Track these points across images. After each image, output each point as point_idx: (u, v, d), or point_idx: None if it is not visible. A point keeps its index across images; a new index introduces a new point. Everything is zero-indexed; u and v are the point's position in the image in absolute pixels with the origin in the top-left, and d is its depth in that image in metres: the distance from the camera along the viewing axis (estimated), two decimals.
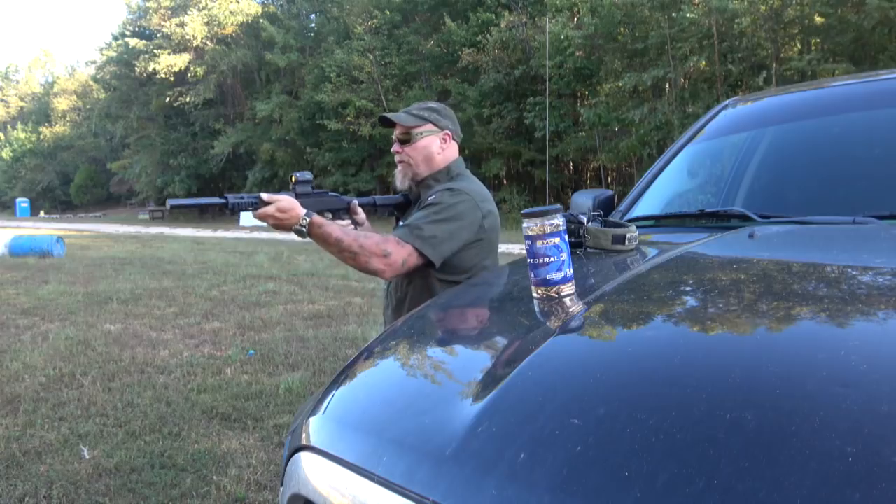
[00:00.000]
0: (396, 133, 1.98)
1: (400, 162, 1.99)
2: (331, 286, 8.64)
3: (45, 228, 24.65)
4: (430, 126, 1.96)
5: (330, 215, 1.90)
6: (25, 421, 3.62)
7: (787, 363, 0.71)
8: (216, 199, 1.79)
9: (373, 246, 1.76)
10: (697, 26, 17.18)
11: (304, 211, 1.74)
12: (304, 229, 1.73)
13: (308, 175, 1.85)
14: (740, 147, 2.04)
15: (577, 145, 21.87)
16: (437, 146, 1.97)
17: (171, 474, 2.94)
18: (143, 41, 35.94)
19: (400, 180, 2.02)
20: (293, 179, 1.84)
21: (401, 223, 1.93)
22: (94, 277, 9.85)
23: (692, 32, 17.39)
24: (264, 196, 1.74)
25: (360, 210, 2.04)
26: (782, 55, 17.14)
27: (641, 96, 18.98)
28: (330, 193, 1.94)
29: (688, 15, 16.85)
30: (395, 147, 1.99)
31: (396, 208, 2.12)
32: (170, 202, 1.75)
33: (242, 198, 1.76)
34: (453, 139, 2.01)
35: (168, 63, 34.06)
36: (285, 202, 1.73)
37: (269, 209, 1.72)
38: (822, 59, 15.27)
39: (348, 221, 1.98)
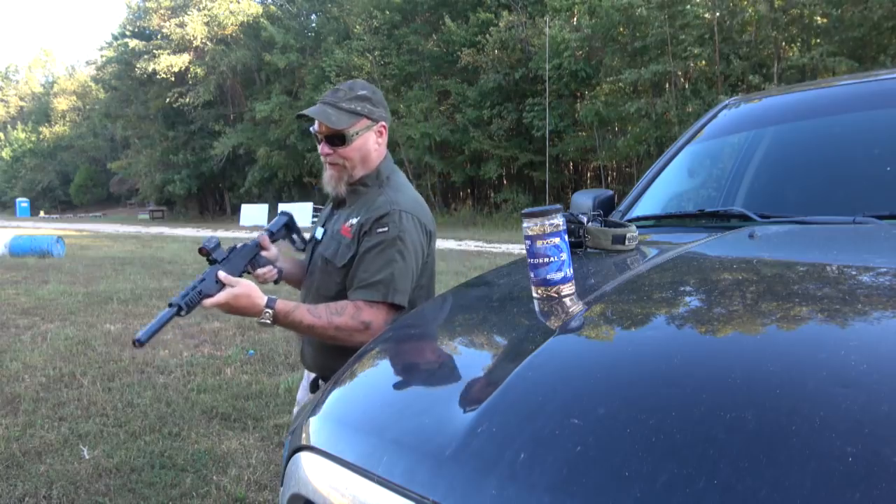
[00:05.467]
0: (322, 131, 1.67)
1: (332, 165, 1.70)
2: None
3: (45, 228, 24.65)
4: (365, 121, 1.67)
5: (249, 268, 1.69)
6: (25, 421, 3.62)
7: (787, 363, 0.71)
8: (166, 312, 1.49)
9: (349, 322, 1.57)
10: (700, 20, 17.16)
11: (264, 301, 1.54)
12: (267, 322, 1.56)
13: (215, 240, 1.61)
14: (740, 147, 2.04)
15: (577, 145, 21.88)
16: (373, 142, 1.70)
17: (171, 474, 2.94)
18: (143, 41, 35.96)
19: (333, 186, 1.72)
20: (203, 252, 1.58)
21: (352, 261, 1.65)
22: (94, 277, 9.85)
23: (694, 28, 17.38)
24: (221, 275, 1.53)
25: (269, 244, 1.76)
26: (783, 54, 17.14)
27: (642, 94, 18.98)
28: (238, 245, 1.68)
29: (688, 7, 16.82)
30: (324, 148, 1.68)
31: (286, 228, 1.84)
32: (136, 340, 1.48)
33: (194, 287, 1.51)
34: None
35: (168, 63, 34.07)
36: (242, 291, 1.51)
37: (221, 297, 1.50)
38: (824, 54, 15.23)
39: (269, 268, 1.73)
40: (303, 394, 1.97)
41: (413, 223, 1.65)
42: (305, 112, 1.67)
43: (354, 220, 1.67)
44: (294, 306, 1.58)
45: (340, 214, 1.75)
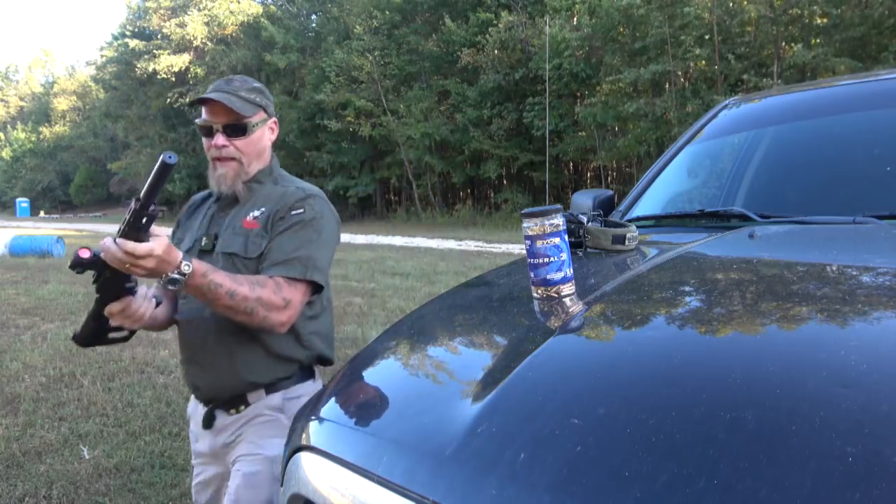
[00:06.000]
0: (221, 119, 1.53)
1: (229, 160, 1.55)
2: (331, 286, 8.63)
3: (45, 228, 24.64)
4: (262, 114, 1.59)
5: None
6: (25, 421, 3.62)
7: (787, 363, 0.71)
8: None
9: (272, 296, 1.42)
10: (700, 21, 17.16)
11: (181, 253, 1.32)
12: (181, 278, 1.31)
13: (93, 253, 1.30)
14: (740, 147, 2.04)
15: (577, 145, 21.88)
16: (267, 137, 1.62)
17: (171, 474, 2.94)
18: (143, 41, 35.98)
19: (229, 184, 1.56)
20: (81, 264, 1.29)
21: (268, 248, 1.51)
22: None
23: (694, 28, 17.38)
24: (123, 243, 1.24)
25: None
26: (783, 54, 17.14)
27: (642, 93, 18.99)
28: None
29: (686, 9, 16.82)
30: (220, 139, 1.53)
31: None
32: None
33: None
34: None
35: (168, 63, 34.10)
36: (160, 241, 1.28)
37: (143, 248, 1.24)
38: (829, 53, 15.21)
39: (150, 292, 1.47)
40: (199, 443, 1.66)
41: (329, 209, 1.60)
42: (207, 96, 1.52)
43: (258, 213, 1.55)
44: (210, 267, 1.38)
45: (232, 213, 1.58)
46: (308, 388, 1.62)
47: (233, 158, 1.55)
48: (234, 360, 1.54)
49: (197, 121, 1.59)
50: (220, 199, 1.64)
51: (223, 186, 1.57)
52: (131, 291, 1.38)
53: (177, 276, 1.31)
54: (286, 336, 1.55)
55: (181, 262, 1.31)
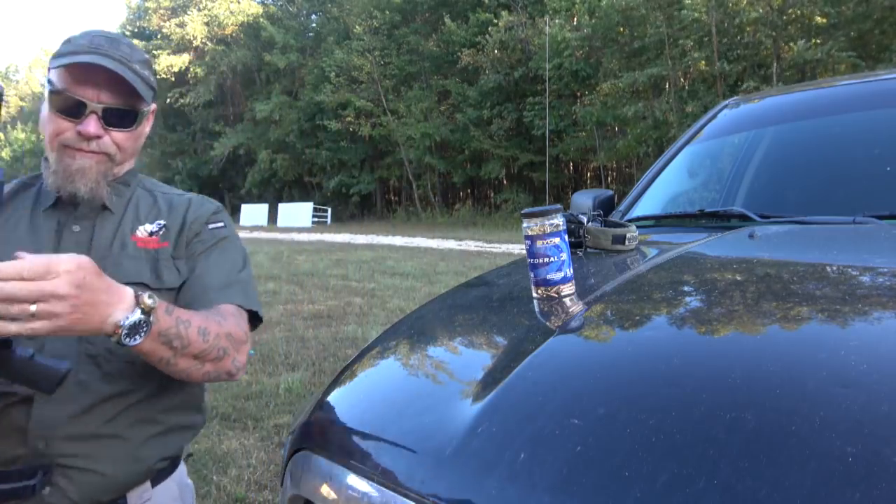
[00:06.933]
0: (104, 101, 1.08)
1: (94, 154, 1.10)
2: (331, 286, 8.64)
3: None
4: (153, 99, 1.20)
5: None
6: None
7: (787, 363, 0.71)
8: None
9: (237, 330, 1.08)
10: (699, 23, 17.18)
11: (130, 295, 0.89)
12: (145, 318, 0.89)
13: None
14: (740, 147, 2.04)
15: (577, 145, 21.91)
16: (146, 131, 1.24)
17: None
18: (143, 41, 35.98)
19: (91, 184, 1.09)
20: None
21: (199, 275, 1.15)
22: None
23: (692, 30, 17.40)
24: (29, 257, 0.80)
25: None
26: (782, 54, 17.15)
27: (641, 95, 19.00)
28: None
29: (684, 12, 16.83)
30: (93, 127, 1.07)
31: None
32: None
33: None
34: None
35: (168, 63, 34.13)
36: (86, 264, 0.84)
37: (60, 286, 0.79)
38: (832, 49, 15.20)
39: None
40: None
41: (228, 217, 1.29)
42: (92, 60, 1.05)
43: (154, 227, 1.16)
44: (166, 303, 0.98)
45: (104, 227, 1.13)
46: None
47: (104, 153, 1.11)
48: (127, 444, 1.08)
49: (50, 87, 1.07)
50: (57, 202, 1.12)
51: (81, 186, 1.09)
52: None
53: (139, 315, 0.88)
54: (194, 390, 1.19)
55: (133, 301, 0.89)
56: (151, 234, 1.15)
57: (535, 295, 1.09)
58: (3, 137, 63.31)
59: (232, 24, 34.65)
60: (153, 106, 1.21)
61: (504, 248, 14.12)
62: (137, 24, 39.15)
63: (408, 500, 0.68)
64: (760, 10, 16.46)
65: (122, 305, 0.87)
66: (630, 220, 1.70)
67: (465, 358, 1.00)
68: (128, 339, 0.88)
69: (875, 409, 0.60)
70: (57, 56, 1.08)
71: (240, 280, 1.17)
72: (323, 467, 0.84)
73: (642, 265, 1.26)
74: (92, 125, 1.07)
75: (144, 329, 0.90)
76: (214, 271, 1.16)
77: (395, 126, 25.63)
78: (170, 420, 1.15)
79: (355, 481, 0.76)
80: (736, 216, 1.61)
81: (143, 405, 1.10)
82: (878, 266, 1.08)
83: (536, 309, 1.08)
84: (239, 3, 35.20)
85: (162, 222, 1.17)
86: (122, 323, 0.87)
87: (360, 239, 18.13)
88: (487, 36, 22.57)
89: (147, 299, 0.89)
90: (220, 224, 1.22)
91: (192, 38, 34.36)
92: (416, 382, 0.97)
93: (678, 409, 0.65)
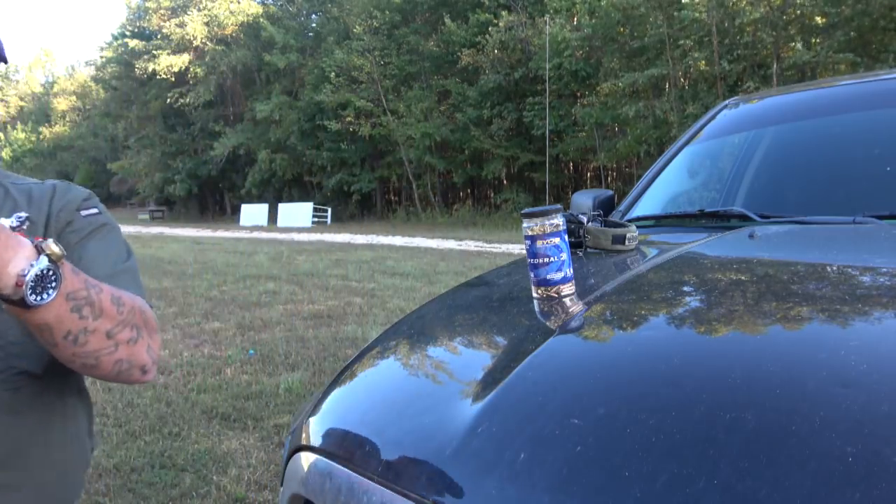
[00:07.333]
0: None
1: None
2: (331, 286, 8.64)
3: None
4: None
5: None
6: None
7: (787, 363, 0.71)
8: None
9: (149, 312, 0.95)
10: (699, 23, 17.18)
11: (29, 244, 0.74)
12: (53, 267, 0.73)
13: None
14: (740, 147, 2.04)
15: (577, 145, 21.90)
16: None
17: (171, 474, 2.94)
18: (143, 41, 35.99)
19: None
20: None
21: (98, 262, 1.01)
22: None
23: (692, 30, 17.40)
24: None
25: None
26: (783, 54, 17.15)
27: (641, 95, 19.01)
28: None
29: (684, 12, 16.83)
30: None
31: None
32: None
33: None
34: None
35: (168, 63, 34.08)
36: None
37: None
38: (832, 49, 15.19)
39: None
40: None
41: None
42: None
43: (15, 221, 0.84)
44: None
45: None
46: None
47: None
48: (55, 472, 0.98)
49: None
50: None
51: None
52: None
53: (46, 263, 0.71)
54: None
55: (37, 242, 0.73)
56: (14, 229, 0.86)
57: (535, 295, 1.09)
58: (2, 137, 63.26)
59: (232, 24, 34.63)
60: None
61: (504, 248, 14.12)
62: (137, 24, 39.11)
63: (408, 501, 0.68)
64: (761, 10, 16.46)
65: (22, 252, 0.70)
66: (630, 220, 1.70)
67: (465, 358, 1.00)
68: (34, 297, 0.70)
69: (875, 409, 0.60)
70: None
71: (127, 269, 1.03)
72: (323, 467, 0.84)
73: (642, 265, 1.26)
74: None
75: (53, 282, 0.71)
76: (98, 261, 1.00)
77: (395, 126, 25.63)
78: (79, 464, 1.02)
79: (355, 481, 0.76)
80: (736, 216, 1.61)
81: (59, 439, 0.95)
82: (878, 266, 1.08)
83: (536, 309, 1.08)
84: (239, 3, 35.18)
85: (23, 215, 0.88)
86: (24, 273, 0.69)
87: (360, 239, 18.13)
88: (487, 36, 22.55)
89: (53, 245, 0.72)
90: (94, 210, 1.06)
91: (192, 38, 34.32)
92: (416, 382, 0.97)
93: (678, 409, 0.65)
